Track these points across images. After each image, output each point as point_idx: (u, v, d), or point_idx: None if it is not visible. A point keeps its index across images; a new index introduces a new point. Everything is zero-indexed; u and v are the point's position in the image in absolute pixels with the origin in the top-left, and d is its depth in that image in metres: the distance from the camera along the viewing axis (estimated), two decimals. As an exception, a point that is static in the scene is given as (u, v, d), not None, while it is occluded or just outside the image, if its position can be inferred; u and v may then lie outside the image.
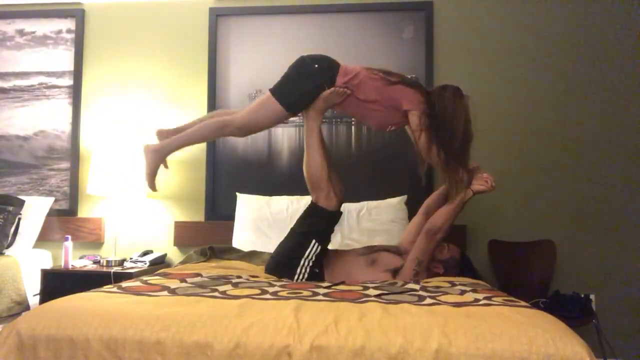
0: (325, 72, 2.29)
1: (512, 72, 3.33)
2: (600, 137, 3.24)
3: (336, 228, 2.99)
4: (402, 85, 2.32)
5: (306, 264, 2.24)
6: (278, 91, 2.30)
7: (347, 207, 3.12)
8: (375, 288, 1.85)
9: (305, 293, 1.71)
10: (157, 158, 2.34)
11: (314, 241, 2.27)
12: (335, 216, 2.38)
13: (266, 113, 2.29)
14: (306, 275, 2.22)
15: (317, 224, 2.32)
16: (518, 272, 3.11)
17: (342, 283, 2.05)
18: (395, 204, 3.15)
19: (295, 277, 2.22)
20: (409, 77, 2.46)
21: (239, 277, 2.15)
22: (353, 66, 2.34)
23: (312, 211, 2.36)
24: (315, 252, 2.26)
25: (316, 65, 2.30)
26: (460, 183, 2.29)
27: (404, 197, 3.21)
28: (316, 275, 2.26)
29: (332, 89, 2.26)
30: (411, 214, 3.15)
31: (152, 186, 2.37)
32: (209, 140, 2.40)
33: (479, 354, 1.25)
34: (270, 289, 1.79)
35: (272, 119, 2.32)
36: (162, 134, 2.41)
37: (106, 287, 1.81)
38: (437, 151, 2.25)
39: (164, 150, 2.33)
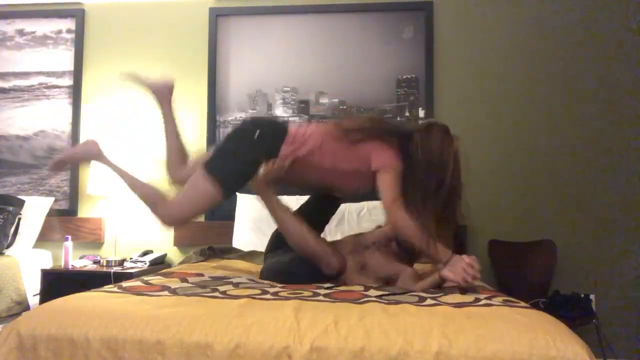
0: (267, 141, 1.98)
1: (512, 71, 3.33)
2: (600, 137, 3.24)
3: (337, 229, 3.02)
4: (370, 141, 1.98)
5: None
6: (212, 167, 1.94)
7: (347, 208, 3.13)
8: (375, 289, 1.84)
9: (306, 293, 1.71)
10: (92, 157, 2.14)
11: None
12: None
13: (201, 197, 1.93)
14: None
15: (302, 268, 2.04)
16: (518, 272, 3.11)
17: (344, 284, 2.03)
18: (396, 204, 3.14)
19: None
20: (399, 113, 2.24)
21: (240, 277, 2.14)
22: (305, 129, 2.05)
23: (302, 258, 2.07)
24: None
25: (258, 132, 1.98)
26: (434, 258, 1.85)
27: (404, 197, 3.21)
28: None
29: (268, 168, 1.95)
30: (411, 214, 3.16)
31: (55, 168, 2.17)
32: (136, 193, 2.09)
33: (480, 355, 1.24)
34: (271, 289, 1.79)
35: (207, 204, 1.97)
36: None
37: (106, 287, 1.81)
38: (420, 205, 1.88)
39: (104, 159, 2.13)
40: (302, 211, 2.22)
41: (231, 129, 2.09)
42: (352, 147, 1.98)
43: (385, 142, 1.98)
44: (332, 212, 2.36)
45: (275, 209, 2.03)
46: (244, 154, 1.96)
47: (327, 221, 2.35)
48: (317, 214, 2.25)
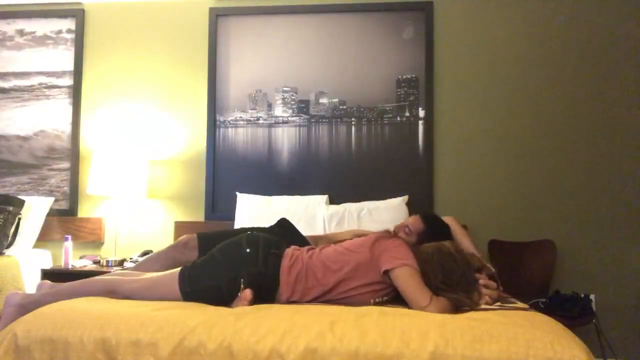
0: (254, 259, 1.90)
1: (512, 71, 3.32)
2: (600, 137, 3.23)
3: (337, 229, 3.02)
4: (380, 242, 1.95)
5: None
6: (187, 272, 1.88)
7: (347, 208, 3.13)
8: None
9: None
10: (17, 313, 1.84)
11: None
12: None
13: (164, 292, 1.84)
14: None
15: None
16: (518, 272, 3.10)
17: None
18: (396, 204, 3.15)
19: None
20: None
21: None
22: (299, 252, 1.99)
23: None
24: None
25: (248, 250, 1.93)
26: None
27: (405, 198, 3.21)
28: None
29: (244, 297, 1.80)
30: (412, 214, 3.15)
31: None
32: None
33: (476, 355, 1.24)
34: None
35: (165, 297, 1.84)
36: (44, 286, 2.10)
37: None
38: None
39: (29, 305, 1.86)
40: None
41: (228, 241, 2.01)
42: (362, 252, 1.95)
43: (400, 243, 1.97)
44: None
45: None
46: (226, 268, 1.88)
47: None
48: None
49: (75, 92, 3.58)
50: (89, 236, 3.48)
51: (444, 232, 2.39)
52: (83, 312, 1.47)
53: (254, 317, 1.40)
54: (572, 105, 3.27)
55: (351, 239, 2.12)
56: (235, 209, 3.27)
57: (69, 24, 3.64)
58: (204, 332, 1.34)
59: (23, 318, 1.47)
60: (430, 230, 2.37)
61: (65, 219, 3.50)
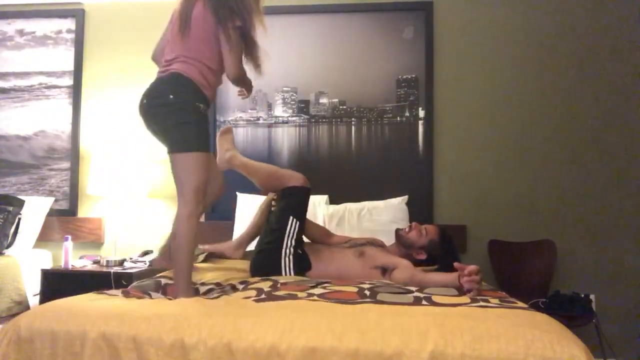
0: (190, 96, 1.99)
1: (512, 71, 3.32)
2: (600, 137, 3.23)
3: (337, 228, 3.02)
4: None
5: (289, 243, 2.27)
6: (190, 146, 1.96)
7: (347, 208, 3.13)
8: (370, 289, 1.84)
9: (301, 294, 1.71)
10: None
11: (291, 217, 2.31)
12: (306, 191, 2.42)
13: (203, 172, 1.99)
14: (291, 259, 2.24)
15: (290, 200, 2.37)
16: (518, 272, 3.10)
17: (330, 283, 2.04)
18: (396, 204, 3.15)
19: (282, 260, 2.24)
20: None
21: (237, 278, 2.15)
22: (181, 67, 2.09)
23: (283, 193, 2.43)
24: (295, 230, 2.30)
25: (172, 97, 1.98)
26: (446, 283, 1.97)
27: (405, 198, 3.21)
28: (302, 259, 2.27)
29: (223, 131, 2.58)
30: (412, 214, 3.16)
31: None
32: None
33: (475, 355, 1.24)
34: (267, 290, 1.79)
35: (207, 170, 2.02)
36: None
37: (108, 291, 1.83)
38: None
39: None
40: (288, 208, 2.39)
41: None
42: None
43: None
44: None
45: (245, 161, 2.53)
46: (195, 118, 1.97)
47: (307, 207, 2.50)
48: (304, 207, 2.45)
49: (75, 92, 3.59)
50: (89, 236, 3.48)
51: (451, 255, 2.39)
52: (86, 307, 1.49)
53: (254, 315, 1.41)
54: (572, 105, 3.27)
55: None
56: (235, 209, 3.27)
57: (69, 24, 3.64)
58: (204, 329, 1.35)
59: (27, 312, 1.50)
60: (442, 246, 2.41)
61: (65, 219, 3.50)
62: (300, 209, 2.37)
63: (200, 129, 1.93)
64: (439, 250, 2.39)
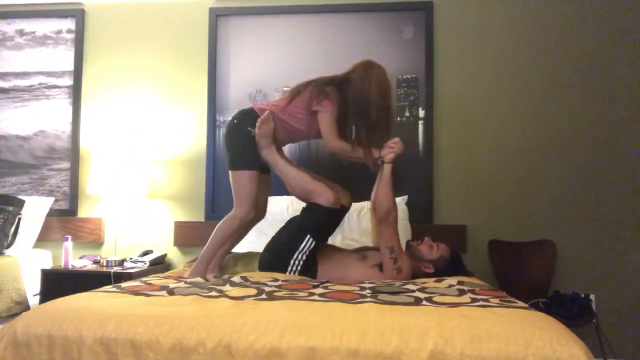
0: (248, 122, 2.43)
1: (512, 71, 3.32)
2: (600, 137, 3.23)
3: (337, 228, 3.01)
4: (306, 93, 2.44)
5: (299, 257, 2.26)
6: (238, 164, 2.41)
7: (347, 207, 3.12)
8: (371, 289, 1.84)
9: (301, 294, 1.71)
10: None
11: (308, 236, 2.27)
12: (334, 213, 2.34)
13: (249, 186, 2.39)
14: (299, 268, 2.26)
15: (313, 219, 2.31)
16: (518, 272, 3.11)
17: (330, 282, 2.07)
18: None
19: (289, 268, 2.25)
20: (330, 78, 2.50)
21: (237, 277, 2.14)
22: (261, 104, 2.51)
23: (308, 206, 2.38)
24: (309, 247, 2.27)
25: (235, 121, 2.47)
26: (376, 160, 2.44)
27: (405, 197, 3.21)
28: (310, 267, 2.28)
29: (259, 120, 2.39)
30: (412, 214, 3.16)
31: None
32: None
33: (475, 354, 1.24)
34: (267, 289, 1.79)
35: (254, 185, 2.41)
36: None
37: (105, 288, 1.82)
38: (360, 134, 2.39)
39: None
40: (309, 224, 2.35)
41: (225, 134, 2.52)
42: (294, 102, 2.45)
43: (324, 93, 2.39)
44: (337, 226, 2.50)
45: (278, 162, 2.44)
46: (244, 140, 2.42)
47: (332, 229, 2.48)
48: (326, 228, 2.41)
49: (75, 92, 3.59)
50: (89, 236, 3.48)
51: (459, 271, 2.41)
52: (83, 309, 1.48)
53: (253, 315, 1.40)
54: (573, 105, 3.27)
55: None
56: (235, 209, 3.27)
57: (69, 24, 3.64)
58: (203, 331, 1.35)
59: (23, 314, 1.49)
60: (452, 264, 2.42)
61: (65, 219, 3.50)
62: (320, 230, 2.33)
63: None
64: (448, 268, 2.38)
